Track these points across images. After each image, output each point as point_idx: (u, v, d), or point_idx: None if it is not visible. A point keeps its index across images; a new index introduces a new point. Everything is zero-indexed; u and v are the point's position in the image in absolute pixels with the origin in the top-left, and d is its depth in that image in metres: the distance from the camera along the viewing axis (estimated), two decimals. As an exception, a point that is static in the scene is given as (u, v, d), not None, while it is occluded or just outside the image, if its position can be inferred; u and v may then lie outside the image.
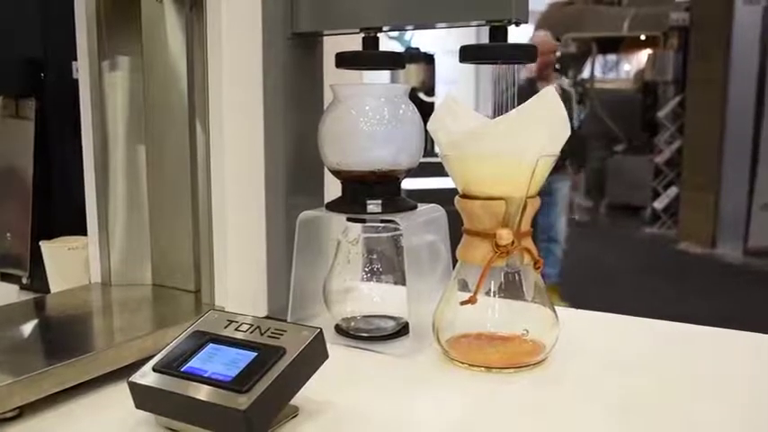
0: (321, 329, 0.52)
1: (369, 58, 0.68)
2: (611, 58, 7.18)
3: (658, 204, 5.49)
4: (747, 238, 4.29)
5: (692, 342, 0.72)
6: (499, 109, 0.63)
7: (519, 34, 0.66)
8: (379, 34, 0.69)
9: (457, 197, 0.64)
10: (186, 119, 0.73)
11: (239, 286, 0.71)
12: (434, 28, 0.66)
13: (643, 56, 6.68)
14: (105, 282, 0.79)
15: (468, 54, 0.63)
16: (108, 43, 0.78)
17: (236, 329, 0.54)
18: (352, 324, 0.72)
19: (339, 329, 0.72)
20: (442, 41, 4.41)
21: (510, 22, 0.60)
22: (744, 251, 4.30)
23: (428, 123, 0.66)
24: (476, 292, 0.61)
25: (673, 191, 5.38)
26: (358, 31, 0.69)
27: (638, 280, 3.96)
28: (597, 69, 6.96)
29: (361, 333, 0.71)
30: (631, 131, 6.27)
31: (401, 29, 0.69)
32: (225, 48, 0.68)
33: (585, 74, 6.81)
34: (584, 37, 6.84)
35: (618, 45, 7.02)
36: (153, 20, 0.75)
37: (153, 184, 0.78)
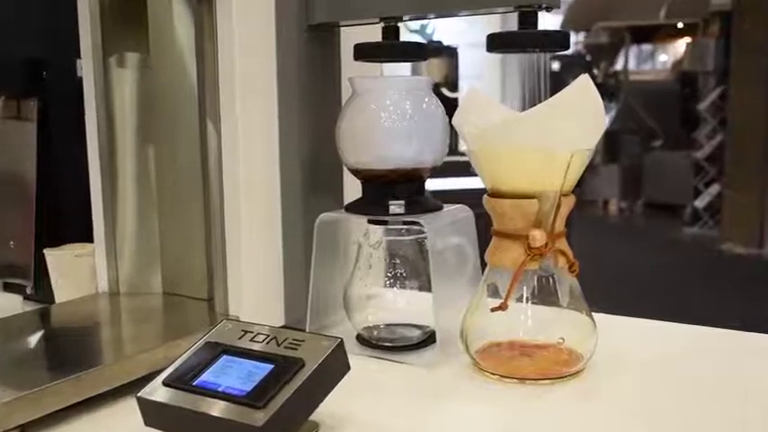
0: (341, 339, 0.52)
1: (390, 49, 0.67)
2: (647, 47, 7.11)
3: (699, 203, 5.43)
4: (797, 237, 4.23)
5: (744, 351, 0.70)
6: (530, 101, 0.62)
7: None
8: (399, 24, 0.68)
9: (485, 196, 0.63)
10: (197, 118, 0.73)
11: (255, 294, 0.71)
12: (458, 16, 0.65)
13: (681, 45, 6.61)
14: (113, 291, 0.80)
15: (497, 42, 0.62)
16: (113, 39, 0.78)
17: (251, 340, 0.53)
18: (375, 333, 0.71)
19: (361, 339, 0.71)
20: (465, 34, 4.39)
21: (540, 8, 0.59)
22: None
23: (453, 118, 0.65)
24: (507, 298, 0.60)
25: (714, 188, 5.31)
26: (377, 20, 0.68)
27: (679, 283, 3.92)
28: (631, 60, 6.90)
29: (385, 343, 0.70)
30: (669, 126, 6.21)
31: (423, 17, 0.69)
32: (236, 42, 0.67)
33: (619, 65, 6.76)
34: (617, 26, 6.78)
35: (653, 34, 6.96)
36: (160, 13, 0.75)
37: (163, 187, 0.78)
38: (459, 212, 0.71)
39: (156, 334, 0.70)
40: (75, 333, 0.70)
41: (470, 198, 0.74)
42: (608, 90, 6.46)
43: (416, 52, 0.68)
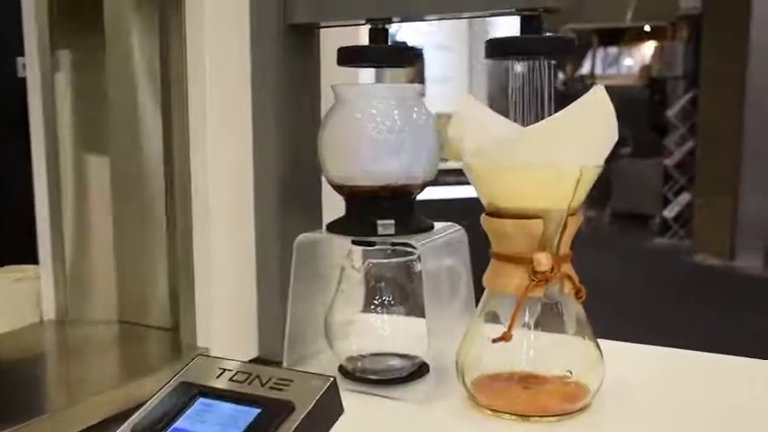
0: (334, 378, 0.49)
1: (379, 53, 0.65)
2: (613, 51, 7.25)
3: (669, 212, 5.53)
4: (770, 249, 4.33)
5: (750, 377, 0.69)
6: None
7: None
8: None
9: (483, 215, 0.62)
10: (160, 126, 0.70)
11: (226, 323, 0.68)
12: (453, 18, 0.63)
13: (648, 48, 6.75)
14: (61, 319, 0.75)
15: (497, 49, 0.60)
16: (62, 37, 0.75)
17: (231, 380, 0.50)
18: (359, 364, 0.69)
19: (344, 371, 0.69)
20: (431, 35, 4.40)
21: (547, 11, 0.58)
22: (766, 262, 4.33)
23: (449, 129, 0.63)
24: (510, 328, 0.58)
25: (685, 197, 5.42)
26: (364, 22, 0.66)
27: (650, 297, 3.98)
28: (598, 64, 7.02)
29: (371, 375, 0.67)
30: (637, 132, 6.32)
31: (415, 20, 0.67)
32: (207, 42, 0.64)
33: (585, 69, 6.87)
34: (584, 28, 6.89)
35: (619, 37, 7.09)
36: (118, 8, 0.71)
37: (119, 201, 0.74)
38: (452, 231, 0.69)
39: (114, 370, 0.66)
40: (16, 372, 0.65)
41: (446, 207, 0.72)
42: (575, 95, 6.54)
43: (409, 57, 0.66)
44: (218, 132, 0.66)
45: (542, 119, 0.59)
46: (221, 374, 0.51)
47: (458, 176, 0.84)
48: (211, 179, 0.66)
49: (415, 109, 0.66)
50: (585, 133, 0.57)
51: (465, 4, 0.62)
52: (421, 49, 4.21)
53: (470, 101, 0.65)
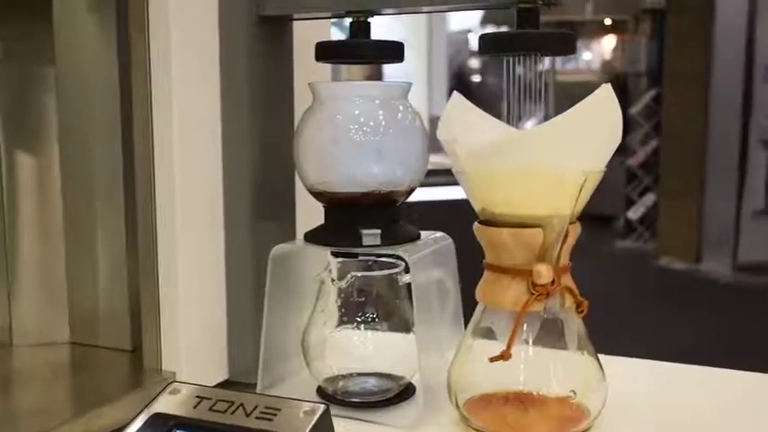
0: (327, 406, 0.47)
1: (361, 48, 0.64)
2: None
3: (633, 214, 5.62)
4: (737, 251, 4.43)
5: (752, 392, 0.70)
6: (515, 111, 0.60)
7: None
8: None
9: (477, 224, 0.60)
10: (119, 127, 0.67)
11: (194, 343, 0.65)
12: (451, 11, 0.62)
13: (609, 43, 6.86)
14: (5, 342, 0.72)
15: (490, 45, 0.59)
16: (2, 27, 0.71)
17: (210, 409, 0.48)
18: (340, 385, 0.67)
19: (323, 393, 0.67)
20: (388, 30, 4.40)
21: (546, 3, 0.57)
22: (733, 266, 4.43)
23: (438, 131, 0.61)
24: (509, 346, 0.57)
25: (649, 198, 5.51)
26: (343, 13, 0.65)
27: (613, 303, 4.03)
28: (558, 59, 7.11)
29: (353, 398, 0.66)
30: (599, 130, 6.41)
31: (401, 12, 0.65)
32: (173, 35, 0.62)
33: (545, 65, 6.96)
34: (543, 21, 6.98)
35: (578, 31, 7.20)
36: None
37: (72, 208, 0.71)
38: (439, 241, 0.67)
39: (68, 400, 0.63)
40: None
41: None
42: (535, 92, 6.62)
43: (394, 53, 0.64)
44: (185, 135, 0.64)
45: (535, 119, 0.58)
46: (199, 404, 0.49)
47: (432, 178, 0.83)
48: (177, 186, 0.63)
49: (401, 108, 0.64)
50: (591, 135, 0.56)
51: (457, -2, 0.61)
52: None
53: (461, 101, 0.64)
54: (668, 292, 4.26)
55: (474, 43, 6.85)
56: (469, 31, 6.64)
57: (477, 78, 6.35)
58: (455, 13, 5.67)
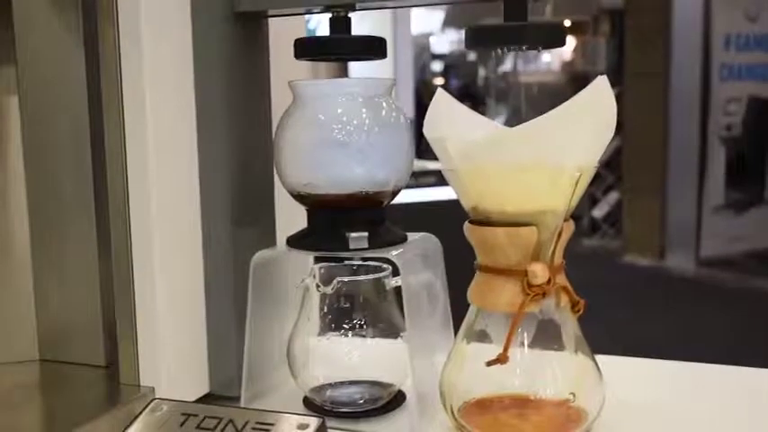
0: (323, 419, 0.45)
1: (342, 44, 0.61)
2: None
3: (597, 212, 5.66)
4: (699, 246, 4.48)
5: (753, 389, 0.68)
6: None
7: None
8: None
9: (468, 224, 0.58)
10: (87, 130, 0.64)
11: (174, 356, 0.62)
12: (434, 5, 0.59)
13: (570, 44, 6.92)
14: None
15: (477, 38, 0.57)
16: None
17: (198, 427, 0.45)
18: (327, 394, 0.64)
19: (310, 404, 0.64)
20: (354, 25, 4.35)
21: (533, -4, 0.55)
22: (696, 261, 4.48)
23: (425, 128, 0.59)
24: (506, 349, 0.55)
25: (613, 197, 5.55)
26: (321, 9, 0.62)
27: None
28: (520, 60, 7.15)
29: (342, 408, 0.63)
30: (561, 130, 6.46)
31: (383, 7, 0.63)
32: (143, 32, 0.59)
33: (508, 66, 6.99)
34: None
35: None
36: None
37: (38, 214, 0.67)
38: (426, 242, 0.65)
39: (40, 422, 0.59)
40: None
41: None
42: (497, 93, 6.67)
43: (376, 49, 0.62)
44: (158, 138, 0.61)
45: (523, 115, 0.57)
46: (185, 421, 0.46)
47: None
48: (152, 193, 0.60)
49: (385, 106, 0.62)
50: (586, 129, 0.54)
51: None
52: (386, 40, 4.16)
53: (446, 98, 0.62)
54: (633, 289, 4.28)
55: (435, 47, 6.87)
56: (431, 34, 6.65)
57: (439, 81, 6.36)
58: (416, 17, 5.67)
